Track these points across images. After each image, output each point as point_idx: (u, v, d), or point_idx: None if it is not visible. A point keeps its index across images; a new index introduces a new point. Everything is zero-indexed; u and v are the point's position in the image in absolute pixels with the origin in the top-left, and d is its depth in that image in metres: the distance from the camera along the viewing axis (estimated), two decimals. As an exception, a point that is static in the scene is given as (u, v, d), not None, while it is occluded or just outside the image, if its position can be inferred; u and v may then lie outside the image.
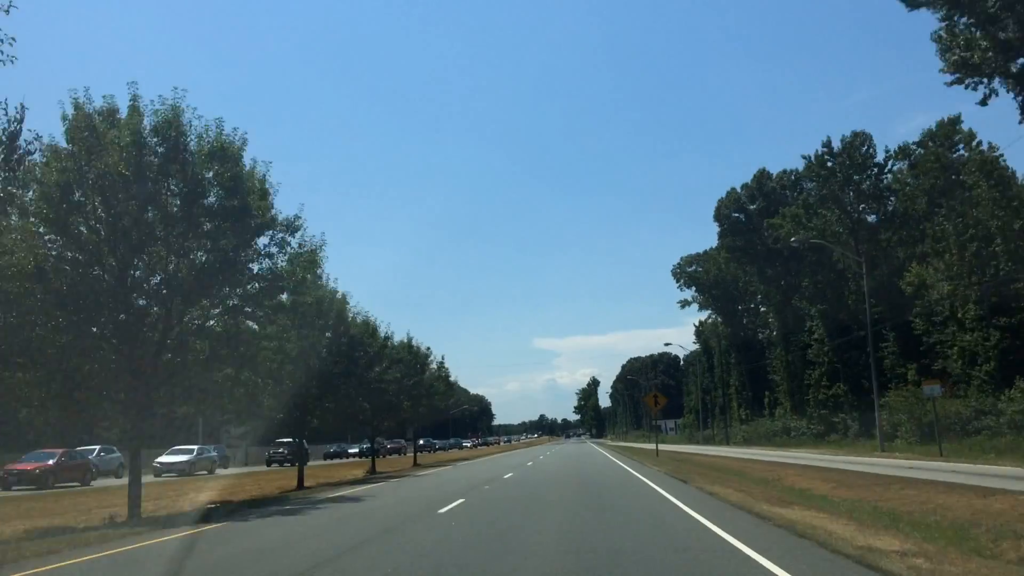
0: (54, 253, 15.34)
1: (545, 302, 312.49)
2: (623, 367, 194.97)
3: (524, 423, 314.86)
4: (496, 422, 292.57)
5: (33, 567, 10.08)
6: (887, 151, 50.99)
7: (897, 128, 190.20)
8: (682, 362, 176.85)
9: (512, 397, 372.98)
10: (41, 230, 15.16)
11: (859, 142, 51.98)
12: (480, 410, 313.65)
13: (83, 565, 10.29)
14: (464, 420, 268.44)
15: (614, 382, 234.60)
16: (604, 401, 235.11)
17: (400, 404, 37.70)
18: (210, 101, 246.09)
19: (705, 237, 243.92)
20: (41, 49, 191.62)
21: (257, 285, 17.88)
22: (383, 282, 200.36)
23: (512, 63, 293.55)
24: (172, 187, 16.42)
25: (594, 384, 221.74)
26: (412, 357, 40.59)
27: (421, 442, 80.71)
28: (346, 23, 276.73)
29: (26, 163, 12.94)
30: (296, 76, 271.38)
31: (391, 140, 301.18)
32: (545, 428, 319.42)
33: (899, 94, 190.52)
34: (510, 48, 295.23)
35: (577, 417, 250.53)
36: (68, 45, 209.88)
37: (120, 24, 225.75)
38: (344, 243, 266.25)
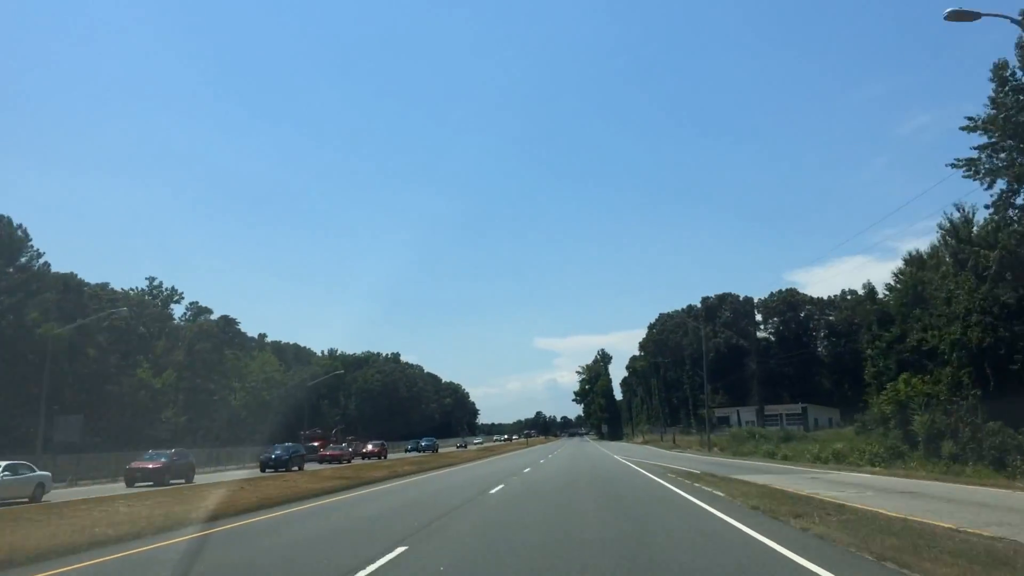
0: None
1: (547, 301, 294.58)
2: (650, 327, 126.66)
3: (520, 421, 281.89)
4: (494, 421, 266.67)
5: None
6: None
7: (901, 127, 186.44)
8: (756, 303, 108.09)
9: (514, 397, 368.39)
10: None
11: None
12: (456, 403, 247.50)
13: None
14: (431, 415, 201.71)
15: (631, 360, 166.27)
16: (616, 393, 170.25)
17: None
18: (206, 97, 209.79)
19: (709, 234, 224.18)
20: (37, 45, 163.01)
21: None
22: (385, 283, 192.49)
23: (513, 56, 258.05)
24: None
25: (603, 360, 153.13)
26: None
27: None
28: (346, 18, 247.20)
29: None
30: (296, 70, 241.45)
31: (392, 137, 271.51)
32: (539, 426, 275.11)
33: (905, 92, 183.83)
34: (511, 40, 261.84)
35: (579, 410, 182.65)
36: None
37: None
38: (344, 243, 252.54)
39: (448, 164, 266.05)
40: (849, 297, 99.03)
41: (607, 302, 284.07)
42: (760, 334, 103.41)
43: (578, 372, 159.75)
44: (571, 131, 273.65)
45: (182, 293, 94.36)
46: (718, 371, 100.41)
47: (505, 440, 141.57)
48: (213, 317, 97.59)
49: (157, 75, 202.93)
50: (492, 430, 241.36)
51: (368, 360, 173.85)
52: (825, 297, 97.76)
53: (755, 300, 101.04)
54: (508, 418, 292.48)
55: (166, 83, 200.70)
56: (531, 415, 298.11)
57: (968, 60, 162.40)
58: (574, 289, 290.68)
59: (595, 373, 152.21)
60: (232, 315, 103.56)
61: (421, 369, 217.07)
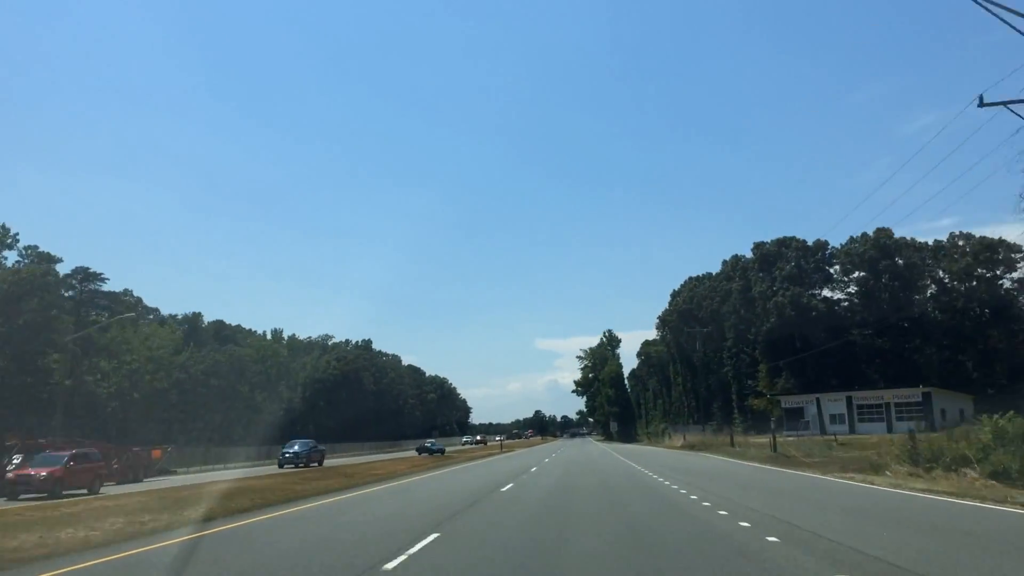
0: None
1: (547, 302, 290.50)
2: (673, 296, 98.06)
3: (518, 421, 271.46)
4: (492, 421, 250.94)
5: None
6: None
7: (904, 127, 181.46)
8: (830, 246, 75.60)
9: (515, 398, 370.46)
10: None
11: None
12: (442, 399, 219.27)
13: None
14: (411, 412, 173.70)
15: (642, 346, 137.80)
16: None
17: None
18: (202, 97, 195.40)
19: (710, 231, 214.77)
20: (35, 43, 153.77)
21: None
22: (383, 285, 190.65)
23: (509, 55, 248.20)
24: None
25: (610, 343, 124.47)
26: None
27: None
28: (344, 16, 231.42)
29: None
30: (291, 69, 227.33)
31: (389, 136, 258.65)
32: (536, 425, 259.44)
33: (906, 92, 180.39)
34: (509, 37, 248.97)
35: (581, 404, 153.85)
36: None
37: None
38: (341, 244, 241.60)
39: (446, 164, 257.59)
40: (962, 243, 70.59)
41: (609, 302, 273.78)
42: (829, 293, 74.70)
43: (579, 357, 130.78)
44: (571, 130, 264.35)
45: (16, 235, 65.74)
46: (778, 345, 71.99)
47: (478, 443, 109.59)
48: (64, 267, 68.72)
49: (153, 75, 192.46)
50: (489, 430, 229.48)
51: (327, 346, 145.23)
52: (930, 242, 69.57)
53: (829, 246, 72.40)
54: (507, 418, 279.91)
55: (162, 83, 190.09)
56: (531, 415, 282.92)
57: (971, 59, 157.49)
58: (575, 290, 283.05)
59: (600, 358, 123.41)
60: (224, 317, 74.22)
61: (398, 359, 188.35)
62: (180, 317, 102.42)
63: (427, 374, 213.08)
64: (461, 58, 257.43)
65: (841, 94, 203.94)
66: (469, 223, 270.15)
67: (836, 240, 74.25)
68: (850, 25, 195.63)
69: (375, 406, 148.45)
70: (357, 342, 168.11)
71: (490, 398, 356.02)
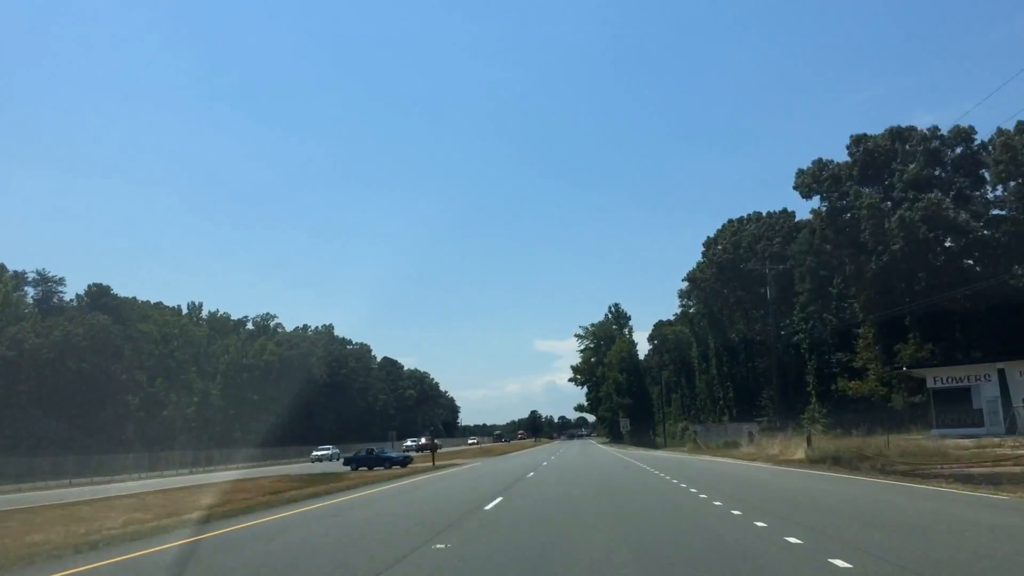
0: None
1: (545, 302, 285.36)
2: (708, 247, 71.87)
3: (513, 422, 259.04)
4: (487, 422, 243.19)
5: None
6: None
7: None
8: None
9: (515, 399, 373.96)
10: None
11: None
12: (422, 397, 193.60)
13: None
14: (384, 410, 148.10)
15: (655, 328, 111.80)
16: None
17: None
18: (201, 98, 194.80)
19: (709, 230, 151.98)
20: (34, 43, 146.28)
21: None
22: (380, 285, 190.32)
23: (512, 53, 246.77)
24: None
25: (617, 319, 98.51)
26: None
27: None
28: (341, 20, 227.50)
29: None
30: (289, 68, 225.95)
31: (388, 136, 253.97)
32: (529, 425, 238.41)
33: (905, 92, 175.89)
34: (510, 37, 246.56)
35: (581, 397, 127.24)
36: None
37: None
38: (340, 243, 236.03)
39: (444, 165, 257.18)
40: None
41: (608, 302, 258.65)
42: (976, 210, 48.78)
43: (578, 336, 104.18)
44: (571, 131, 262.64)
45: None
46: (894, 294, 46.13)
47: (422, 448, 77.10)
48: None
49: (152, 75, 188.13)
50: (483, 431, 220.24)
51: (269, 328, 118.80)
52: None
53: (976, 136, 45.96)
54: (505, 419, 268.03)
55: (161, 84, 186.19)
56: (527, 416, 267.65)
57: (969, 60, 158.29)
58: (574, 290, 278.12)
59: (606, 337, 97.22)
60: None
61: (367, 348, 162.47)
62: (31, 277, 75.55)
63: (405, 368, 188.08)
64: (460, 58, 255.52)
65: (839, 95, 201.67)
66: (466, 224, 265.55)
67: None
68: (845, 26, 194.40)
69: (327, 401, 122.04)
70: (316, 327, 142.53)
71: (488, 399, 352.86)
